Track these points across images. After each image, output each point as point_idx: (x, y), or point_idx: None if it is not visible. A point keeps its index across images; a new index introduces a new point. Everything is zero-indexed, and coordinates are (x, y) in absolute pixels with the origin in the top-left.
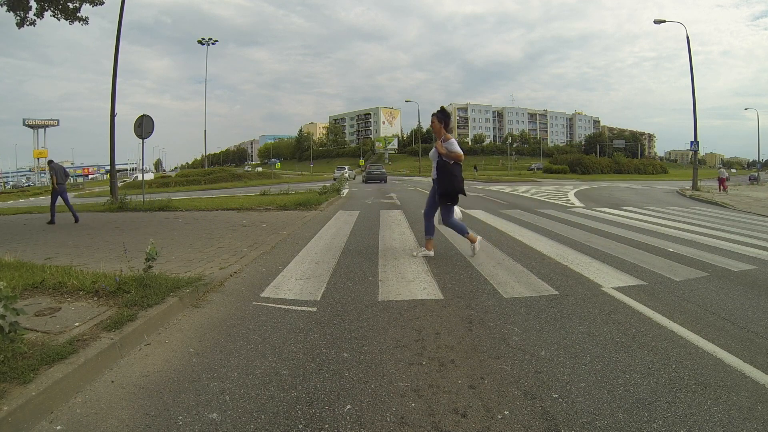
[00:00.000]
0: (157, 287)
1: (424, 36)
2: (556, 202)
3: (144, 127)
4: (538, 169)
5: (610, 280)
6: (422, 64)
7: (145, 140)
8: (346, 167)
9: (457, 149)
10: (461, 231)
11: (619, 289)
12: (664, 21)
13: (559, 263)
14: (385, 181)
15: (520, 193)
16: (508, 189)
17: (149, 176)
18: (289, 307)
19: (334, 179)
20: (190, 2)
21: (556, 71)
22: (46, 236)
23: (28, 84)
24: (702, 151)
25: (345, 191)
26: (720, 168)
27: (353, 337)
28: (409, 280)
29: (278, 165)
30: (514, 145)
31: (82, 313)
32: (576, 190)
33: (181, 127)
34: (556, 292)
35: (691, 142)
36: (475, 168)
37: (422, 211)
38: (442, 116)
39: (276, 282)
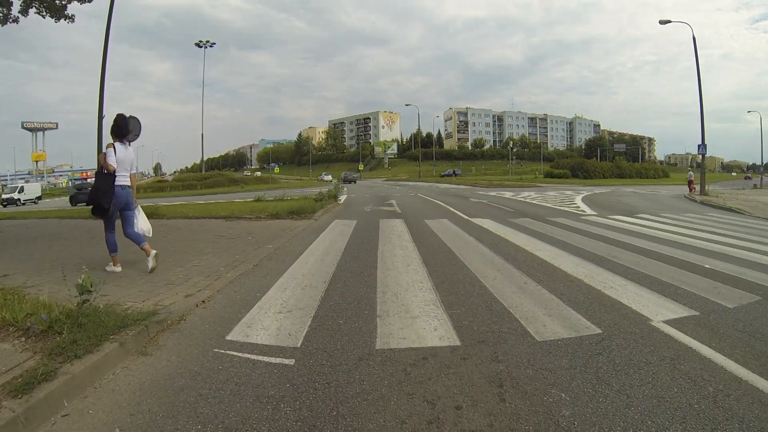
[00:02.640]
0: (95, 327)
1: (426, 40)
2: (566, 209)
3: (132, 129)
4: (456, 174)
5: (656, 309)
6: (423, 68)
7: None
8: (327, 173)
9: (109, 160)
10: (137, 241)
11: (670, 323)
12: (670, 21)
13: (591, 287)
14: (356, 182)
15: (526, 200)
16: (511, 195)
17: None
18: (260, 357)
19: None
20: (192, 5)
21: (557, 75)
22: (16, 247)
23: (29, 87)
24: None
25: (343, 197)
26: (690, 171)
27: (340, 414)
28: (415, 315)
29: (277, 170)
30: (515, 150)
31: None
32: (583, 195)
33: (182, 130)
34: (599, 331)
35: (699, 146)
36: (455, 173)
37: (424, 221)
38: (113, 126)
39: (249, 317)
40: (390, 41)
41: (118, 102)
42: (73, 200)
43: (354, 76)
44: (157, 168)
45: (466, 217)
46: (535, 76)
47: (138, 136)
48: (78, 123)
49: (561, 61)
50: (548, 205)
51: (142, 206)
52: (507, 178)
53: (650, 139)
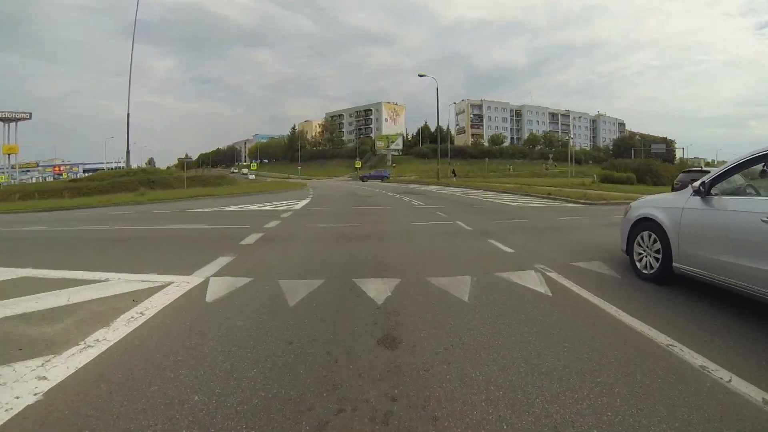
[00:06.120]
0: None
1: (430, 41)
2: None
3: None
4: (385, 177)
5: None
6: (427, 69)
7: None
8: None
9: None
10: None
11: None
12: None
13: None
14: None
15: None
16: None
17: None
18: None
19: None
20: (197, 2)
21: (561, 78)
22: None
23: (30, 82)
24: (709, 158)
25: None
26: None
27: None
28: None
29: (254, 166)
30: (537, 148)
31: None
32: None
33: (184, 126)
34: None
35: None
36: (454, 173)
37: None
38: None
39: None
40: (394, 41)
41: (123, 97)
42: None
43: (358, 75)
44: (150, 162)
45: None
46: (539, 78)
47: None
48: (78, 118)
49: (566, 64)
50: None
51: None
52: (555, 183)
53: (670, 141)
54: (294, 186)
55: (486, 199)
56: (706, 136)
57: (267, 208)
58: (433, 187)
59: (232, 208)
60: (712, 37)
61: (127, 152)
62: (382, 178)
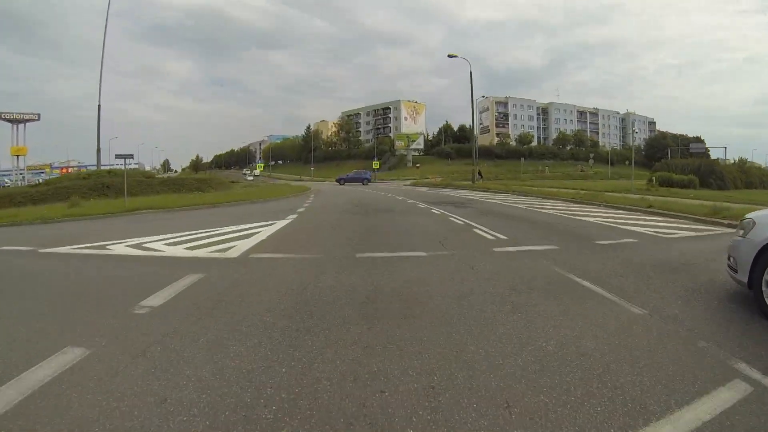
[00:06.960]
0: None
1: (447, 42)
2: None
3: None
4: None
5: None
6: (444, 71)
7: None
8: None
9: None
10: None
11: None
12: None
13: None
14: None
15: None
16: None
17: None
18: None
19: None
20: (212, 5)
21: (578, 79)
22: None
23: (49, 84)
24: (732, 158)
25: None
26: None
27: None
28: None
29: (260, 167)
30: (568, 148)
31: None
32: None
33: (200, 128)
34: None
35: None
36: (480, 174)
37: None
38: None
39: None
40: (411, 42)
41: (138, 98)
42: None
43: (374, 76)
44: (166, 165)
45: None
46: (557, 78)
47: None
48: (94, 119)
49: (583, 64)
50: None
51: None
52: (614, 188)
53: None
54: (292, 191)
55: (572, 215)
56: (725, 135)
57: (179, 252)
58: (471, 194)
59: (116, 249)
60: (730, 34)
61: (98, 150)
62: (363, 181)
